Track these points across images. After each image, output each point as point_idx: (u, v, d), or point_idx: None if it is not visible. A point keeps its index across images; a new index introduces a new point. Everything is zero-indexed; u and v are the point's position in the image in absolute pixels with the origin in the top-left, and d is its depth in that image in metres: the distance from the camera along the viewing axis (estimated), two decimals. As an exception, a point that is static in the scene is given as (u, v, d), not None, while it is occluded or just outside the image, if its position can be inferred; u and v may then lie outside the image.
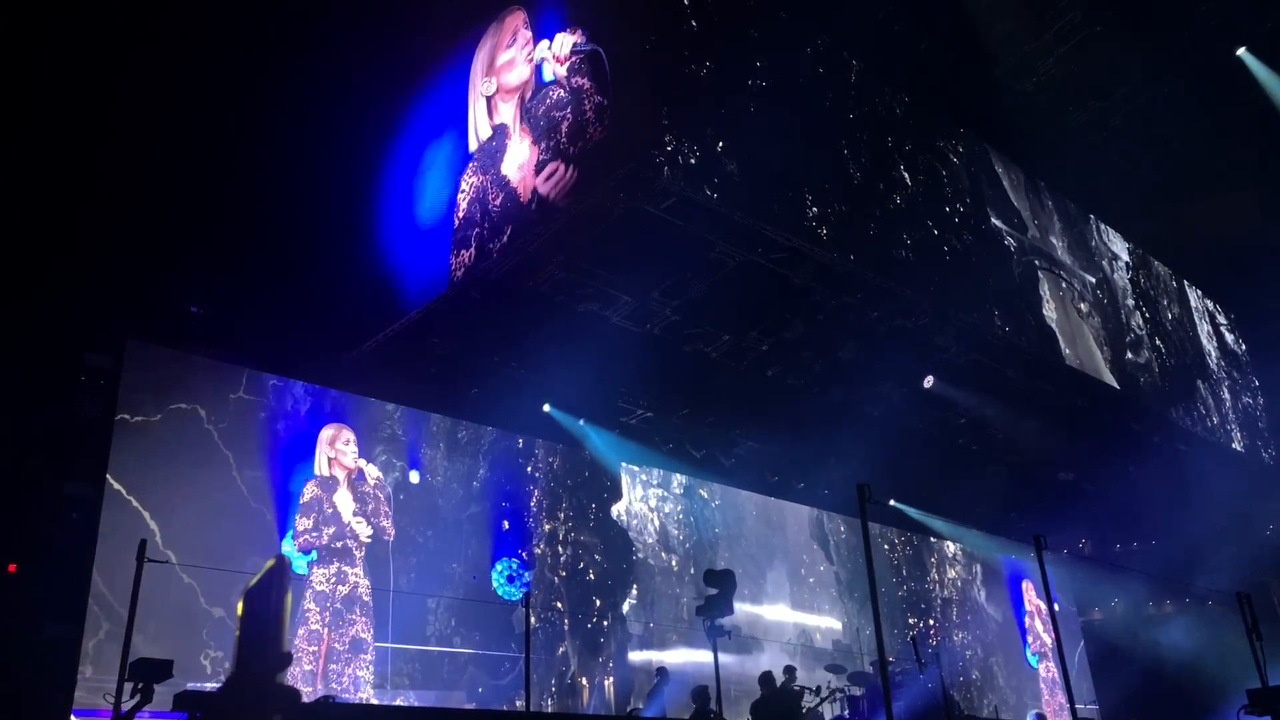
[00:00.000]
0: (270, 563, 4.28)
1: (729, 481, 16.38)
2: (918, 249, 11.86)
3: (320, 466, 11.67)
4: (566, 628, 13.45)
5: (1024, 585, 21.09)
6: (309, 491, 11.45)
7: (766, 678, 12.04)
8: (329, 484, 11.66)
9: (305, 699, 6.42)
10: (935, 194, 12.59)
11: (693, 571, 14.92)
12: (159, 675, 6.77)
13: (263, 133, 10.83)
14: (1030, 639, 20.59)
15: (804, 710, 12.15)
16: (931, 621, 18.90)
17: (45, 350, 9.88)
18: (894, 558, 18.81)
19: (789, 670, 12.54)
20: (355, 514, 11.70)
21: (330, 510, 11.52)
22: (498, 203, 10.47)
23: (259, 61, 10.60)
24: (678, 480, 15.77)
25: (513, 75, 10.90)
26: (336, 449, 11.83)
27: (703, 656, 12.35)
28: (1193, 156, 15.26)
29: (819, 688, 12.73)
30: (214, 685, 9.64)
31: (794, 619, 16.41)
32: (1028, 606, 20.94)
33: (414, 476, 12.53)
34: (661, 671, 12.73)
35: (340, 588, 11.32)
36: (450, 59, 11.89)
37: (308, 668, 10.80)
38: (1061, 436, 16.04)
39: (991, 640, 19.87)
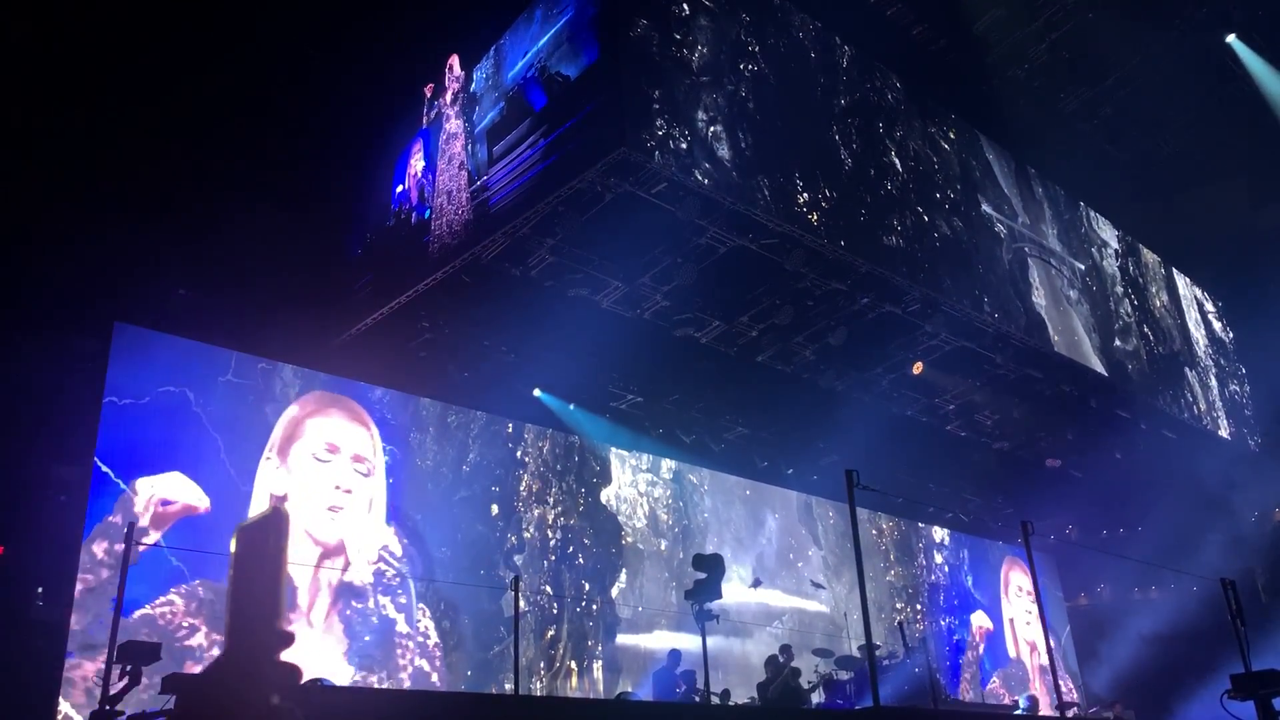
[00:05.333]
0: (266, 511, 3.65)
1: (718, 467, 16.39)
2: (908, 235, 11.88)
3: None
4: (555, 611, 13.48)
5: (1006, 567, 21.20)
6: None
7: (771, 660, 12.50)
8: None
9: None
10: (926, 180, 12.59)
11: (681, 556, 14.96)
12: (147, 658, 6.79)
13: (250, 116, 10.76)
14: (1014, 622, 20.72)
15: (804, 687, 12.30)
16: (919, 606, 18.99)
17: (33, 333, 9.82)
18: (882, 543, 18.88)
19: (785, 650, 12.73)
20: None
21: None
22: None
23: (245, 47, 10.51)
24: (667, 465, 15.79)
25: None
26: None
27: (690, 641, 12.34)
28: (1182, 144, 15.33)
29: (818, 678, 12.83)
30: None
31: (782, 603, 16.47)
32: (1013, 590, 21.06)
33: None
34: (674, 654, 12.57)
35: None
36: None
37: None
38: (1049, 423, 16.13)
39: (979, 625, 19.98)
